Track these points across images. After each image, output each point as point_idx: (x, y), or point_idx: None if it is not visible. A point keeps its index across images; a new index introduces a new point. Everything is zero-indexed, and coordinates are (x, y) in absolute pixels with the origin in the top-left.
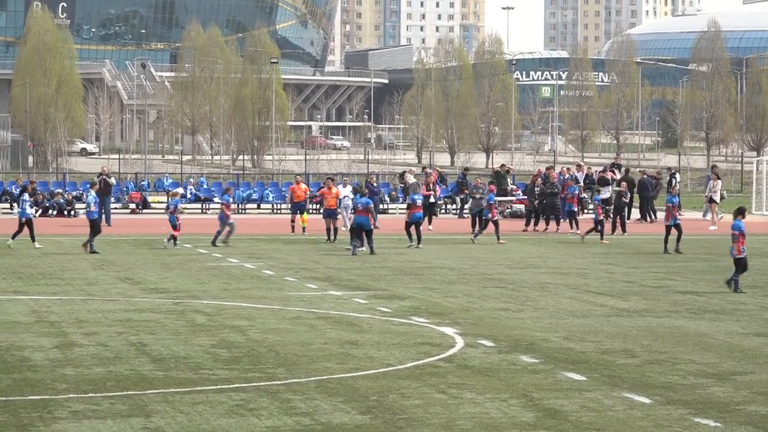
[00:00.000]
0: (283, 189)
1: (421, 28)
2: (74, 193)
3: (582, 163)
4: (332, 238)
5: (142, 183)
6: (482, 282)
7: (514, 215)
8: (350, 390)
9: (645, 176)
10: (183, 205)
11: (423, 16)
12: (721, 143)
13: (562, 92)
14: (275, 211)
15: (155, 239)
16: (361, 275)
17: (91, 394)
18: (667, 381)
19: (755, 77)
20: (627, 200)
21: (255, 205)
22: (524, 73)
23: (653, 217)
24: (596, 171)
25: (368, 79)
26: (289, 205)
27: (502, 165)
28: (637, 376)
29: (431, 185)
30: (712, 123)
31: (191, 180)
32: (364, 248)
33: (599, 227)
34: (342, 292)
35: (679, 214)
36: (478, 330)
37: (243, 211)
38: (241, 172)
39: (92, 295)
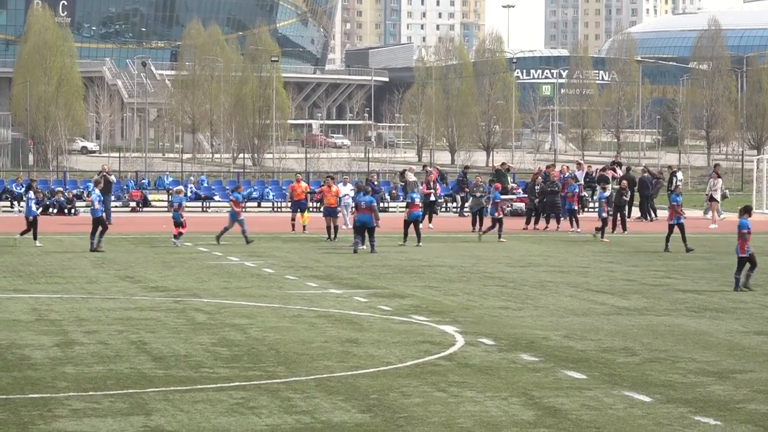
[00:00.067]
0: (284, 187)
1: (422, 27)
2: (75, 192)
3: (582, 162)
4: (332, 236)
5: (143, 181)
6: (482, 280)
7: (515, 213)
8: (350, 388)
9: (645, 174)
10: (184, 203)
11: (423, 15)
12: (722, 141)
13: (562, 90)
14: (275, 209)
15: (156, 237)
16: (362, 273)
17: (91, 393)
18: (667, 379)
19: (755, 75)
20: (627, 198)
21: (255, 204)
22: (525, 71)
23: (653, 215)
24: (596, 169)
25: (369, 78)
26: (290, 204)
27: (503, 163)
28: (638, 374)
29: (431, 183)
30: (713, 121)
31: (192, 178)
32: (364, 246)
33: (603, 224)
34: (342, 290)
35: (683, 216)
36: (479, 328)
37: (243, 210)
38: (242, 170)
39: (92, 293)
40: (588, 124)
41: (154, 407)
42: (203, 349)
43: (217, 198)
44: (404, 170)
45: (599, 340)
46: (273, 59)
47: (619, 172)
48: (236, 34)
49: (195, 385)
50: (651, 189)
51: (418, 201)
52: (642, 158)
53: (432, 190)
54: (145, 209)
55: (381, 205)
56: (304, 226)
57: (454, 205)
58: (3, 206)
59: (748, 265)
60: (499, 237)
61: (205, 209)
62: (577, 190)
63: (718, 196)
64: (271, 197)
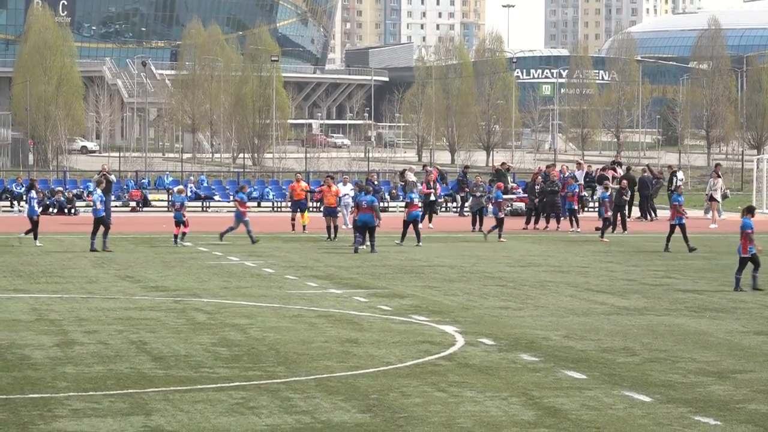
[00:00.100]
0: (284, 187)
1: (422, 26)
2: (75, 191)
3: (582, 161)
4: (332, 236)
5: (143, 181)
6: (482, 280)
7: (515, 213)
8: (350, 388)
9: (645, 174)
10: (186, 203)
11: (423, 14)
12: (722, 141)
13: (562, 90)
14: (275, 209)
15: (156, 237)
16: (362, 273)
17: (91, 393)
18: (667, 379)
19: (755, 75)
20: (627, 198)
21: (255, 204)
22: (525, 71)
23: (653, 215)
24: (597, 169)
25: (369, 77)
26: (289, 204)
27: (503, 163)
28: (638, 374)
29: (431, 183)
30: (713, 121)
31: (191, 178)
32: (365, 246)
33: (607, 223)
34: (342, 290)
35: (685, 216)
36: (479, 328)
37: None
38: (242, 170)
39: (92, 293)
40: (588, 123)
41: (154, 407)
42: (203, 349)
43: (217, 198)
44: (404, 170)
45: (599, 340)
46: (273, 59)
47: (620, 172)
48: (236, 34)
49: (195, 385)
50: (651, 189)
51: (416, 201)
52: (642, 158)
53: (432, 190)
54: (145, 209)
55: (381, 204)
56: (304, 226)
57: (454, 205)
58: (3, 206)
59: (752, 267)
60: (499, 237)
61: (205, 209)
62: (577, 190)
63: (718, 195)
64: (271, 197)
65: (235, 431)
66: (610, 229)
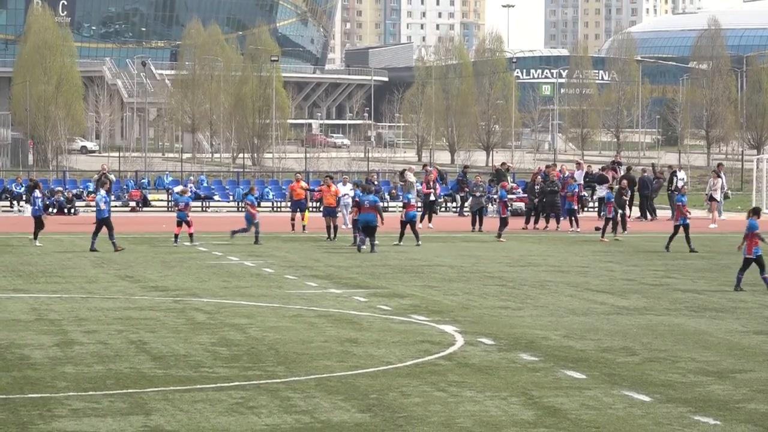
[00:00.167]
0: (283, 187)
1: (422, 26)
2: (74, 191)
3: (582, 161)
4: (332, 236)
5: (143, 181)
6: (482, 280)
7: (514, 213)
8: (350, 388)
9: (646, 174)
10: (191, 203)
11: (423, 14)
12: (722, 141)
13: (562, 90)
14: (275, 209)
15: (155, 237)
16: (361, 273)
17: (90, 392)
18: (666, 379)
19: (755, 75)
20: (627, 198)
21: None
22: (524, 71)
23: (653, 215)
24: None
25: (368, 77)
26: (289, 204)
27: (503, 163)
28: (637, 374)
29: (431, 183)
30: (713, 121)
31: (191, 178)
32: (365, 246)
33: (613, 223)
34: (342, 290)
35: (689, 217)
36: (478, 328)
37: (243, 209)
38: (242, 170)
39: (92, 293)
40: (588, 123)
41: (153, 407)
42: (203, 348)
43: (216, 198)
44: (404, 170)
45: (599, 339)
46: (273, 59)
47: (620, 172)
48: (236, 34)
49: (194, 384)
50: (651, 189)
51: (413, 201)
52: (642, 158)
53: (432, 190)
54: (144, 209)
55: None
56: (303, 226)
57: (454, 204)
58: (3, 206)
59: (757, 269)
60: (499, 236)
61: (204, 209)
62: (576, 190)
63: (718, 195)
64: (270, 197)
65: (234, 431)
66: (610, 227)
